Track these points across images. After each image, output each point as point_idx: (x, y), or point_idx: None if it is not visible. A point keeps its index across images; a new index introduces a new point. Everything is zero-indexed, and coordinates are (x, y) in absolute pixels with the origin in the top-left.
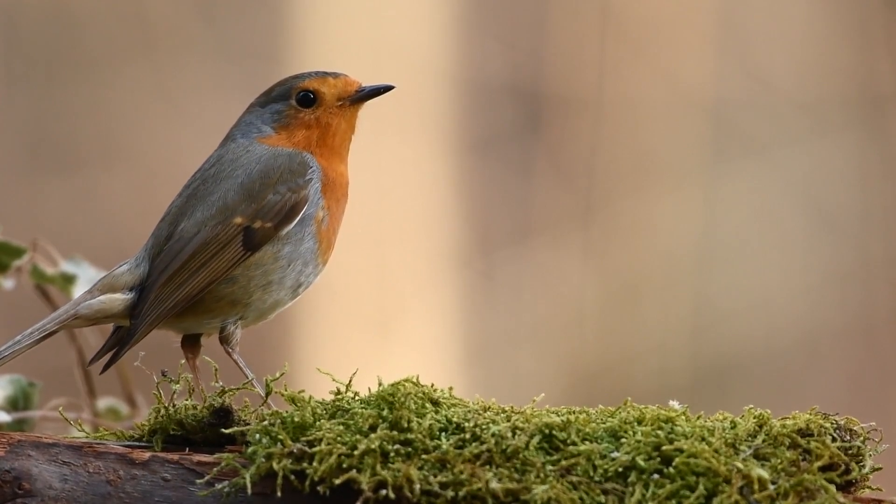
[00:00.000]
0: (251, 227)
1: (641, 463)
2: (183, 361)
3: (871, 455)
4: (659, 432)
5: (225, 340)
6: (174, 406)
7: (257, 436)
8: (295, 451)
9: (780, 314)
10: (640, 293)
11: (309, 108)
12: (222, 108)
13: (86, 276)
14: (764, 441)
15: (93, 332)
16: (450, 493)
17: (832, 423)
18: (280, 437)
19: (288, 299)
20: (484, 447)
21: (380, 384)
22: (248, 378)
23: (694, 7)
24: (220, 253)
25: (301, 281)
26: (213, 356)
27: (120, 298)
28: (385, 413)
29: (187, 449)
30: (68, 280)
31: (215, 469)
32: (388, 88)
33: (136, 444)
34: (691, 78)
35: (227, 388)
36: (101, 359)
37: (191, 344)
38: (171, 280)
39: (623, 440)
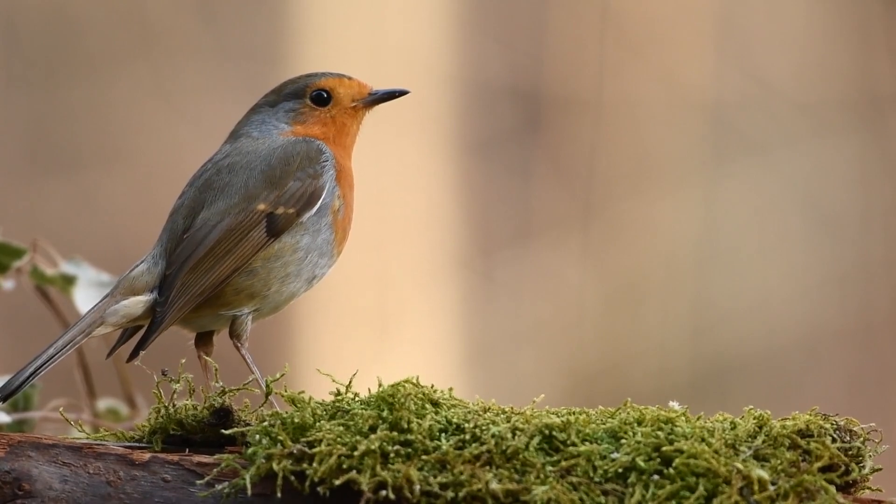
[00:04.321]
0: (274, 214)
1: (641, 464)
2: (184, 361)
3: (870, 456)
4: (659, 433)
5: (235, 334)
6: (174, 406)
7: (257, 436)
8: (295, 451)
9: (780, 315)
10: (640, 294)
11: (323, 107)
12: (222, 108)
13: (85, 277)
14: (764, 442)
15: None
16: (450, 494)
17: (832, 424)
18: (280, 437)
19: (302, 291)
20: (484, 448)
21: (380, 385)
22: (254, 374)
23: (693, 8)
24: (245, 239)
25: (316, 273)
26: (214, 355)
27: (143, 300)
28: (385, 414)
29: (187, 450)
30: (68, 281)
31: (215, 470)
32: (402, 93)
33: (137, 444)
34: (691, 78)
35: (227, 389)
36: (112, 355)
37: (203, 342)
38: (197, 267)
39: (623, 441)
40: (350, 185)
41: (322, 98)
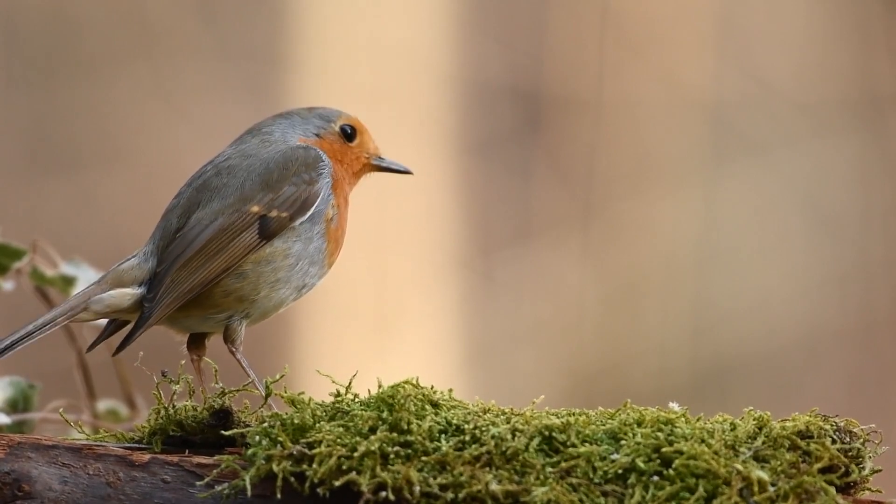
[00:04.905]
0: (267, 216)
1: (641, 465)
2: (183, 362)
3: (870, 457)
4: (658, 434)
5: (229, 339)
6: (174, 407)
7: (257, 437)
8: (295, 452)
9: (780, 315)
10: (640, 294)
11: (346, 140)
12: (222, 108)
13: (85, 278)
14: (764, 443)
15: (93, 334)
16: (449, 495)
17: (832, 425)
18: (280, 438)
19: (292, 299)
20: (484, 449)
21: (379, 386)
22: (250, 378)
23: (693, 8)
24: (236, 240)
25: (306, 282)
26: (213, 357)
27: (130, 293)
28: (385, 415)
29: (187, 451)
30: (68, 282)
31: (215, 471)
32: (406, 172)
33: (136, 445)
34: (691, 78)
35: (227, 390)
36: (93, 349)
37: (196, 345)
38: (188, 265)
39: (623, 442)
40: (346, 199)
41: (347, 133)
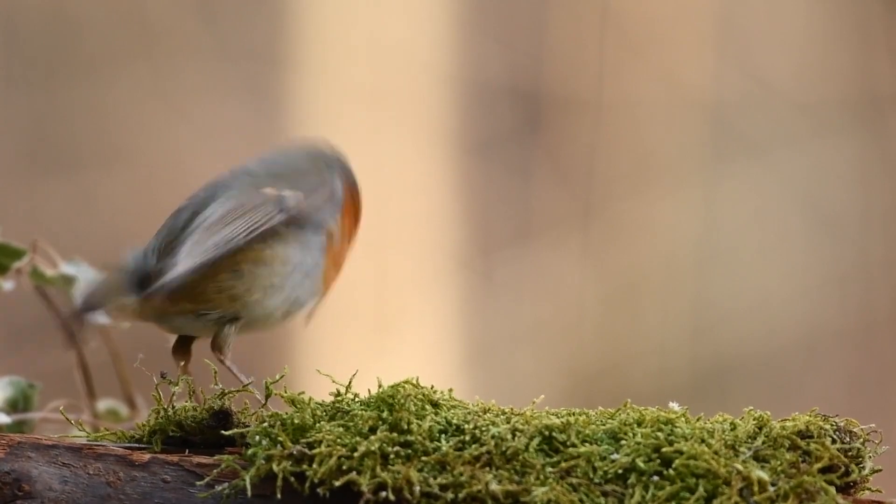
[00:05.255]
0: (283, 196)
1: (641, 465)
2: (182, 363)
3: (870, 457)
4: (658, 434)
5: (217, 345)
6: (173, 408)
7: (257, 437)
8: (295, 452)
9: (780, 315)
10: (640, 294)
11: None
12: (222, 108)
13: (85, 278)
14: (764, 443)
15: (93, 334)
16: (449, 495)
17: (832, 425)
18: (280, 438)
19: (280, 314)
20: (484, 449)
21: (379, 386)
22: (245, 381)
23: (694, 8)
24: (256, 210)
25: (298, 294)
26: (212, 358)
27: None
28: (385, 415)
29: (187, 450)
30: (68, 282)
31: (215, 471)
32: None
33: (136, 445)
34: (691, 79)
35: (226, 391)
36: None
37: (182, 350)
38: (210, 229)
39: (623, 442)
40: (349, 233)
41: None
